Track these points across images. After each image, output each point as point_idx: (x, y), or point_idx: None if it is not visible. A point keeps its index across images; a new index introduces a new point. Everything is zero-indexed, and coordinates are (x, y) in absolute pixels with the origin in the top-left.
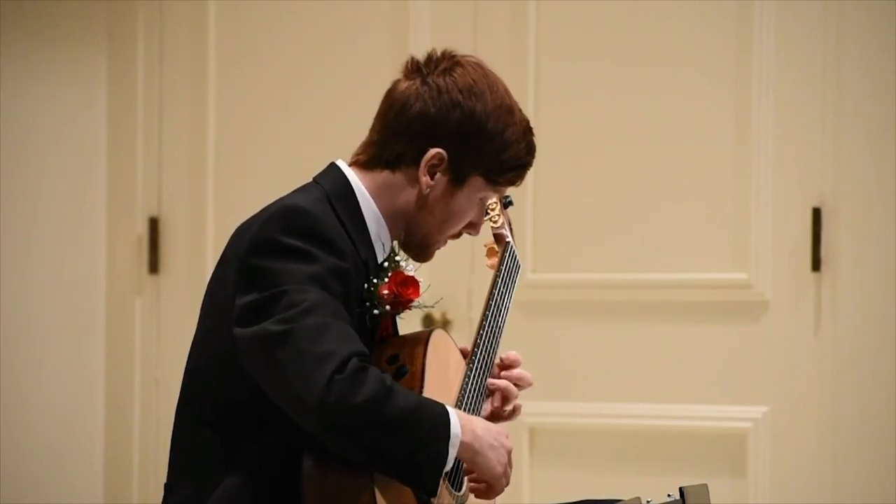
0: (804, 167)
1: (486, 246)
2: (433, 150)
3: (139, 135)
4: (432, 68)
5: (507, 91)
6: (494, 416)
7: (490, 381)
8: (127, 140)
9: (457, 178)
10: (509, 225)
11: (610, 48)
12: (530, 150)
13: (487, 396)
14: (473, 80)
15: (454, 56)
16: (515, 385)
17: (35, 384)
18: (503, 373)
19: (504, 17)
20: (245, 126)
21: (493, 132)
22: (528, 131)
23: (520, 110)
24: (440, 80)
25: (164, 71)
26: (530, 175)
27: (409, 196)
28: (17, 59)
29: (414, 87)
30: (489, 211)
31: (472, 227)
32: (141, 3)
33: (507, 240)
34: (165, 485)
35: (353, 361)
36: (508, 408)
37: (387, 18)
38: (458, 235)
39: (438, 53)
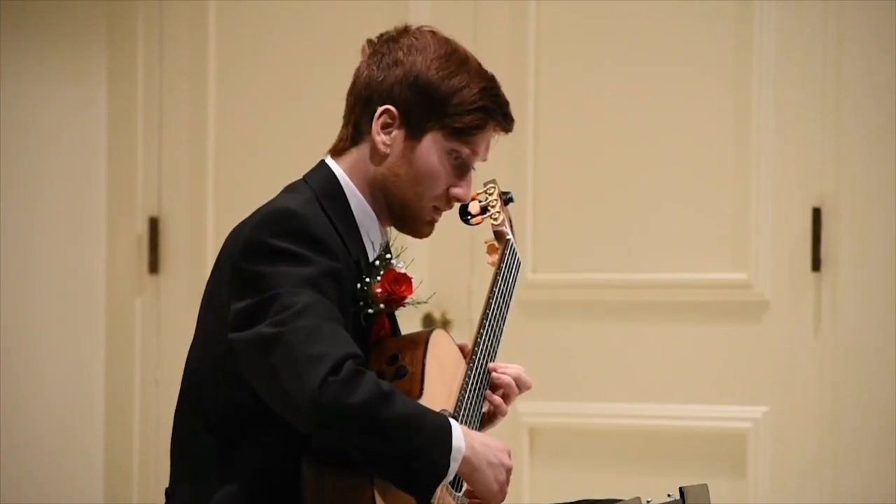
0: (804, 167)
1: (486, 243)
2: (381, 108)
3: (139, 135)
4: (382, 41)
5: (461, 47)
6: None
7: (495, 375)
8: (127, 140)
9: (412, 132)
10: (510, 222)
11: (610, 48)
12: (488, 95)
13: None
14: (416, 38)
15: (406, 27)
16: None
17: (35, 384)
18: (501, 369)
19: (504, 17)
20: (245, 126)
21: (438, 79)
22: (484, 78)
23: (479, 64)
24: (384, 48)
25: (164, 71)
26: (530, 175)
27: (375, 164)
28: (17, 59)
29: (363, 61)
30: (490, 208)
31: (456, 188)
32: (141, 3)
33: (508, 237)
34: (166, 489)
35: (349, 364)
36: (506, 407)
37: (387, 18)
38: (446, 202)
39: (392, 29)
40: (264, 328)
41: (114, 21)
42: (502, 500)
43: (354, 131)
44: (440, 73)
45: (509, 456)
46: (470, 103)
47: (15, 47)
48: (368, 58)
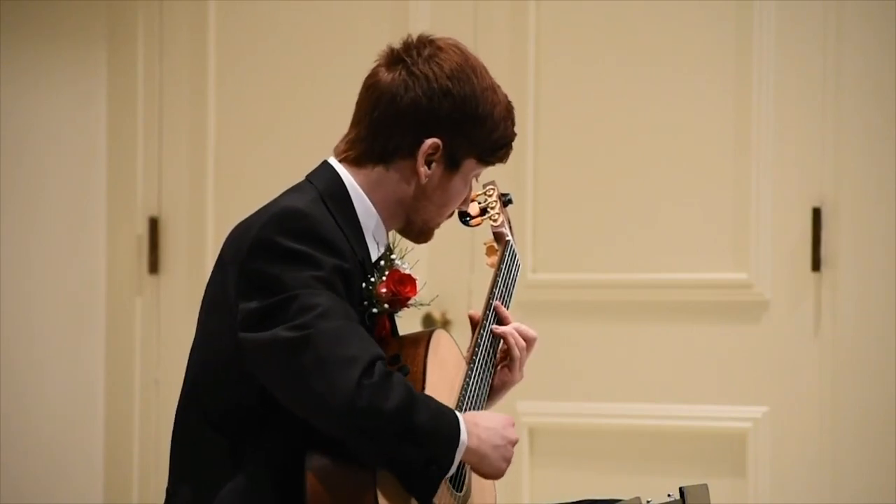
0: (804, 167)
1: (485, 244)
2: (430, 141)
3: (139, 135)
4: (415, 56)
5: (485, 70)
6: (503, 387)
7: (494, 327)
8: (127, 140)
9: (452, 164)
10: (509, 223)
11: (610, 48)
12: (514, 125)
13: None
14: (458, 64)
15: (432, 41)
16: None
17: (35, 384)
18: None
19: (504, 17)
20: (245, 126)
21: (484, 115)
22: (510, 107)
23: (499, 87)
24: (426, 69)
25: (164, 71)
26: (530, 175)
27: (406, 188)
28: (17, 59)
29: (400, 77)
30: (489, 209)
31: (464, 203)
32: (141, 3)
33: (507, 238)
34: (167, 489)
35: (379, 365)
36: (518, 373)
37: (387, 18)
38: (453, 213)
39: (415, 39)
40: (284, 331)
41: (114, 21)
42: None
43: (386, 152)
44: (485, 109)
45: (513, 426)
46: (505, 137)
47: (15, 47)
48: (406, 76)
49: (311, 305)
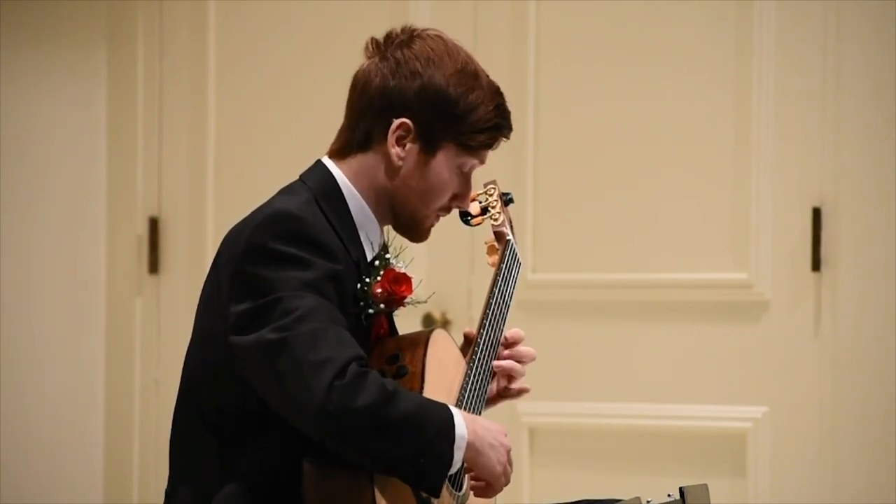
0: (804, 167)
1: (486, 244)
2: (398, 121)
3: (139, 135)
4: (390, 44)
5: (469, 57)
6: (500, 397)
7: (495, 363)
8: (127, 140)
9: (428, 146)
10: (510, 223)
11: (610, 49)
12: (500, 112)
13: (493, 377)
14: (431, 49)
15: (413, 30)
16: (519, 362)
17: (35, 384)
18: (506, 352)
19: (504, 17)
20: (245, 126)
21: (456, 96)
22: (496, 94)
23: (486, 75)
24: (398, 54)
25: (164, 71)
26: (530, 175)
27: (383, 173)
28: (17, 59)
29: (373, 64)
30: (490, 208)
31: (459, 199)
32: (141, 3)
33: (508, 237)
34: (166, 490)
35: (353, 366)
36: (515, 387)
37: (387, 18)
38: (448, 210)
39: (398, 30)
40: (267, 333)
41: (114, 21)
42: (506, 483)
43: (363, 138)
44: (458, 90)
45: (506, 436)
46: (486, 121)
47: (15, 47)
48: (379, 61)
49: (293, 308)
